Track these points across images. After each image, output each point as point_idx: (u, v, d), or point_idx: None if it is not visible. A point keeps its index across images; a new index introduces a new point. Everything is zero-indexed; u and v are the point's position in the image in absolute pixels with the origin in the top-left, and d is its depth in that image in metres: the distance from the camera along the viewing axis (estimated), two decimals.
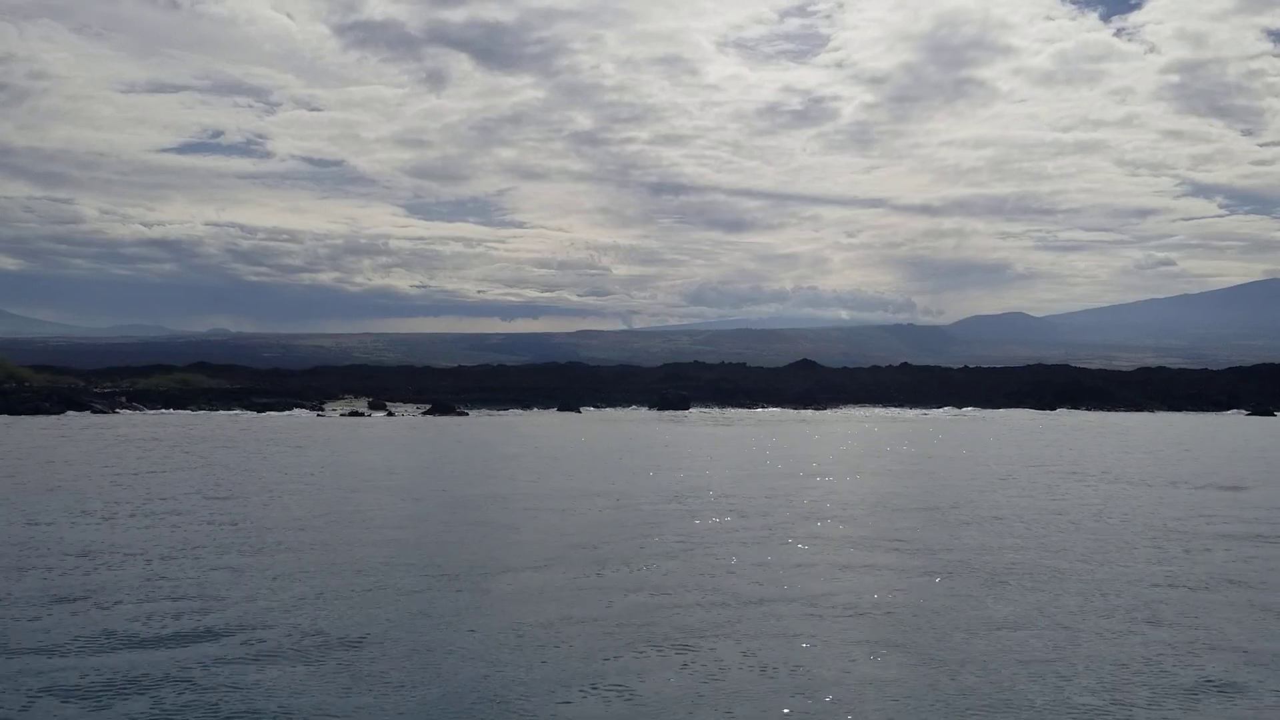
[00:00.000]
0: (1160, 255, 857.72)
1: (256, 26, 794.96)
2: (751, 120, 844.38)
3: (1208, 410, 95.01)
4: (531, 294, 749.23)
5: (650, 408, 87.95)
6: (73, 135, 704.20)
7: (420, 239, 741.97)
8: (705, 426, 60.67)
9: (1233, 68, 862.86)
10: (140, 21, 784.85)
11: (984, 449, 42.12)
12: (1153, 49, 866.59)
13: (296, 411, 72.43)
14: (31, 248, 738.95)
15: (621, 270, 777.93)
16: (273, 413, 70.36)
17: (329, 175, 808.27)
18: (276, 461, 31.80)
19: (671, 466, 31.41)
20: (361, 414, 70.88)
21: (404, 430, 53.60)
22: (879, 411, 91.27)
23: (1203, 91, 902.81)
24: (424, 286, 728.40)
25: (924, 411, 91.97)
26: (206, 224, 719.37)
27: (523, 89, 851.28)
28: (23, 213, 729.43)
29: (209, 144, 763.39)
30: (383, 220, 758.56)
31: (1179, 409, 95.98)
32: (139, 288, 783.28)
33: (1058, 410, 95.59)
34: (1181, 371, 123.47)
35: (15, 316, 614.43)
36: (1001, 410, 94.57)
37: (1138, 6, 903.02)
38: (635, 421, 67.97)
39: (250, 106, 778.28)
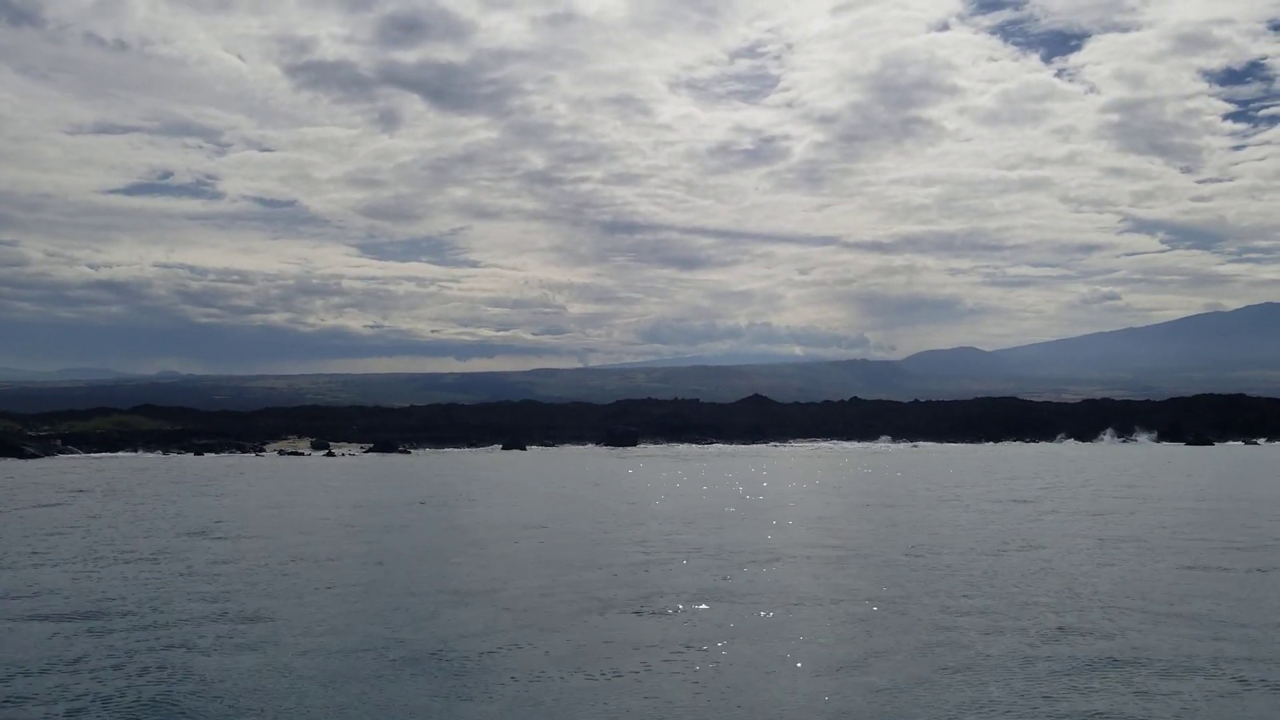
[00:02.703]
0: (1105, 290, 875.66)
1: (207, 67, 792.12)
2: (704, 159, 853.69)
3: (1149, 440, 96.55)
4: (486, 333, 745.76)
5: (598, 444, 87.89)
6: (18, 177, 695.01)
7: (373, 279, 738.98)
8: (618, 461, 60.62)
9: (1170, 107, 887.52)
10: (87, 62, 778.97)
11: (854, 478, 42.44)
12: (1093, 89, 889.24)
13: (233, 453, 71.52)
14: None
15: (576, 308, 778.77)
16: (211, 454, 69.38)
17: (281, 216, 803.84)
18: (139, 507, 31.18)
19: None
20: (301, 454, 70.14)
21: (318, 470, 53.02)
22: (825, 445, 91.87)
23: (1142, 130, 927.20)
24: (377, 326, 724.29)
25: (867, 444, 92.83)
26: (155, 265, 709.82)
27: (476, 129, 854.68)
28: None
29: (158, 185, 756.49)
30: (335, 260, 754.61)
31: (1121, 439, 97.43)
32: (86, 330, 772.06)
33: (1003, 442, 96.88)
34: (1125, 403, 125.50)
35: None
36: (945, 444, 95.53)
37: (1077, 48, 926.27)
38: (571, 456, 67.99)
39: (200, 147, 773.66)
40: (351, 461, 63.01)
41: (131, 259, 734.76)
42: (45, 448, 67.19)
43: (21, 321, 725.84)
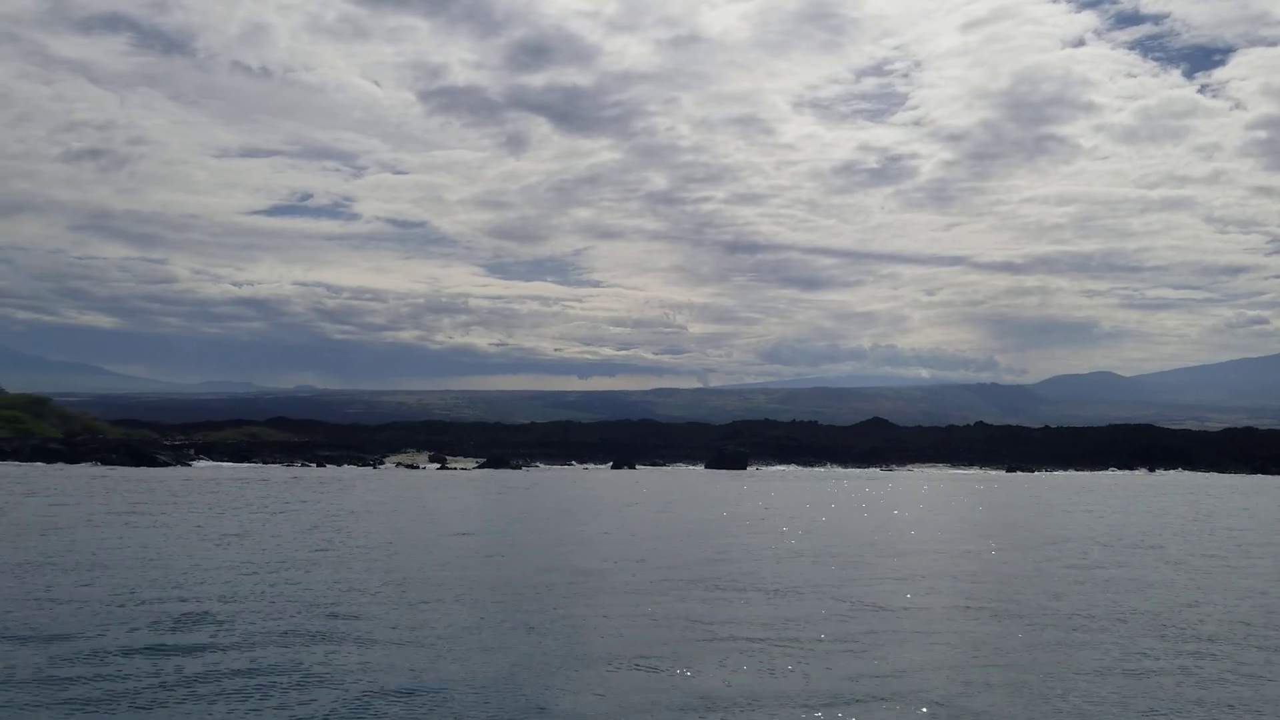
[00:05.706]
0: (1252, 314, 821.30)
1: (345, 93, 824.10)
2: (828, 179, 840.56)
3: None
4: (608, 352, 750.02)
5: (707, 465, 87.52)
6: (168, 198, 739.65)
7: (499, 298, 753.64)
8: (717, 484, 60.09)
9: None
10: (233, 89, 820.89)
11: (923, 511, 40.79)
12: (1238, 105, 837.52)
13: (353, 465, 73.49)
14: (126, 306, 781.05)
15: (697, 328, 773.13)
16: (332, 466, 71.66)
17: (412, 236, 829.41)
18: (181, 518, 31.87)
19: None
20: (416, 467, 71.92)
21: (420, 482, 54.14)
22: (942, 471, 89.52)
23: None
24: (503, 345, 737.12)
25: (987, 471, 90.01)
26: (294, 283, 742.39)
27: (600, 150, 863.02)
28: (118, 273, 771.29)
29: (298, 206, 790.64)
30: (463, 280, 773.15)
31: (1262, 470, 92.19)
32: (228, 345, 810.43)
33: (1135, 471, 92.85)
34: (1269, 432, 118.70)
35: (110, 373, 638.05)
36: (1071, 471, 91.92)
37: (1221, 63, 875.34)
38: (675, 477, 67.84)
39: (338, 170, 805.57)
40: (460, 475, 64.37)
41: (272, 277, 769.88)
42: (178, 456, 70.56)
43: (169, 335, 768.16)
